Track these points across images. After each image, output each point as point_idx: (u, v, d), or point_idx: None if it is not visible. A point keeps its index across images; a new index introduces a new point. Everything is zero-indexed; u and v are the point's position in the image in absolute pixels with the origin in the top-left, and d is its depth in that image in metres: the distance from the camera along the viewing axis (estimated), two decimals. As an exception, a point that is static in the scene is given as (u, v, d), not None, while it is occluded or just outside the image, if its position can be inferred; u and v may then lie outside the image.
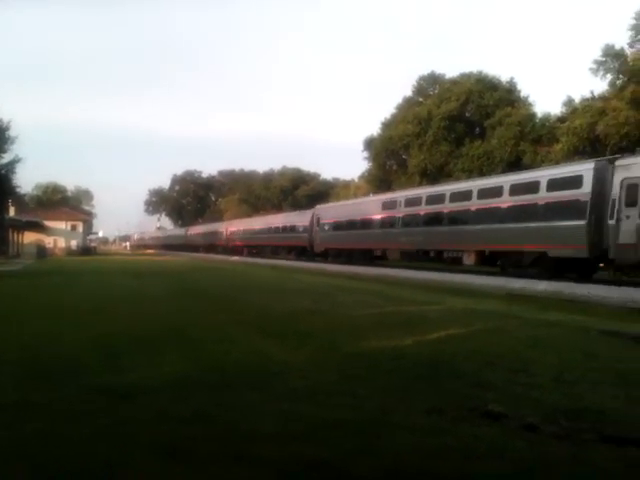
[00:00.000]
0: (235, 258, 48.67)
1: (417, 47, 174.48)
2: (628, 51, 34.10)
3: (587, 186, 18.59)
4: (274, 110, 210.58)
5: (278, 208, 76.63)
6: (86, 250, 69.17)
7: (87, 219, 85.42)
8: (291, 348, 7.37)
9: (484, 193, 23.42)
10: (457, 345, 7.49)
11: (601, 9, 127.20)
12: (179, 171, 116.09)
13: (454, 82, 48.99)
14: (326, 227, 37.13)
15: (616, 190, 17.43)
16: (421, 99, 52.52)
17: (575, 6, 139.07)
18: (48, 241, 68.27)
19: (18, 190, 40.23)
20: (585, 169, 19.22)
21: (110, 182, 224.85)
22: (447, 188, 27.08)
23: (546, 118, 41.54)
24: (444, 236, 25.18)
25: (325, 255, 37.64)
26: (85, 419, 4.41)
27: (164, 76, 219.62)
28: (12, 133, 34.25)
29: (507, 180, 23.13)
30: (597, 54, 34.94)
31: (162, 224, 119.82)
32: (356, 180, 70.72)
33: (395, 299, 14.15)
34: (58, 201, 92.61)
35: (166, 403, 4.83)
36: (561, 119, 38.58)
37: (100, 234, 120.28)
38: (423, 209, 27.28)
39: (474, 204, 23.65)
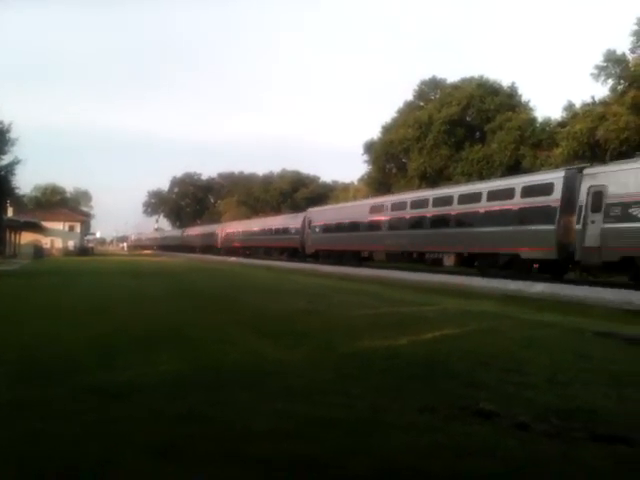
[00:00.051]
0: (232, 259, 48.84)
1: (419, 51, 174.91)
2: (630, 56, 34.19)
3: (557, 193, 19.90)
4: (274, 112, 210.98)
5: (277, 211, 76.67)
6: (83, 250, 69.16)
7: (85, 220, 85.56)
8: (286, 348, 7.37)
9: (464, 199, 24.72)
10: (451, 345, 7.51)
11: (603, 15, 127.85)
12: (179, 173, 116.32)
13: (455, 87, 49.14)
14: (317, 229, 38.43)
15: (583, 197, 18.62)
16: (422, 103, 52.69)
17: (577, 12, 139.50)
18: (45, 242, 68.25)
19: (17, 191, 40.16)
20: (556, 177, 20.57)
21: (109, 183, 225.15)
22: (430, 194, 28.45)
23: (546, 123, 41.63)
24: (426, 239, 26.52)
25: (316, 256, 38.73)
26: (78, 418, 4.40)
27: (164, 77, 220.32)
28: (12, 135, 34.13)
29: (485, 187, 24.58)
30: (598, 60, 35.08)
31: (160, 225, 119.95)
32: (355, 183, 70.86)
33: (390, 300, 14.19)
34: (57, 202, 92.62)
35: (160, 402, 4.82)
36: (561, 124, 38.65)
37: (98, 235, 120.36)
38: (408, 213, 28.61)
39: (454, 209, 25.09)
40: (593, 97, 37.42)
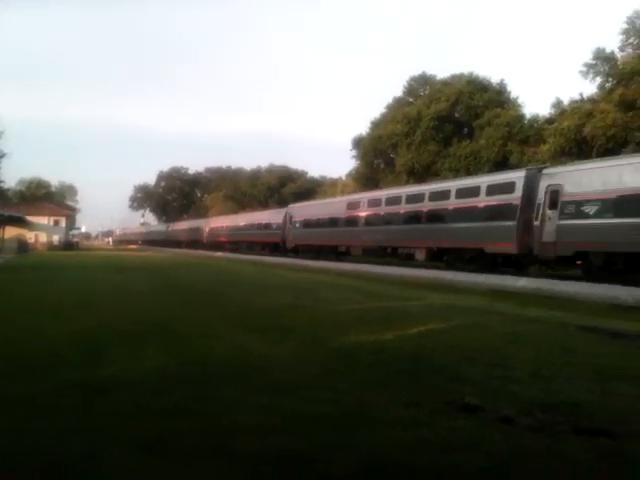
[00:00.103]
0: (219, 254, 48.87)
1: (409, 47, 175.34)
2: (618, 55, 34.52)
3: (518, 192, 21.23)
4: (263, 107, 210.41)
5: (264, 205, 76.50)
6: (68, 245, 68.60)
7: (70, 214, 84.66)
8: (273, 343, 7.36)
9: (434, 196, 26.07)
10: (437, 340, 7.55)
11: (592, 13, 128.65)
12: (166, 167, 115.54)
13: (445, 83, 49.20)
14: (297, 225, 39.76)
15: (541, 195, 19.97)
16: (411, 99, 52.67)
17: (566, 10, 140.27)
18: (30, 236, 67.51)
19: (1, 185, 39.67)
20: (517, 177, 21.97)
21: (95, 178, 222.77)
22: (403, 191, 29.70)
23: (534, 119, 41.84)
24: (400, 234, 27.83)
25: (296, 251, 39.83)
26: (63, 413, 4.35)
27: (153, 72, 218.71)
28: (-1, 129, 33.71)
29: (454, 185, 25.86)
30: (587, 57, 35.39)
31: (146, 220, 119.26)
32: (344, 178, 70.76)
33: (376, 295, 14.22)
34: (42, 196, 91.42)
35: (146, 397, 4.79)
36: (549, 120, 38.90)
37: (83, 229, 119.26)
38: (383, 209, 29.84)
39: (426, 206, 26.42)
40: (581, 94, 37.76)
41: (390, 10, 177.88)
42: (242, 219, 55.04)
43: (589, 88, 39.82)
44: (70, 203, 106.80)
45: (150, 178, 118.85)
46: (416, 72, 53.65)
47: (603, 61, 34.85)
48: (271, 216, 47.04)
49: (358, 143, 55.13)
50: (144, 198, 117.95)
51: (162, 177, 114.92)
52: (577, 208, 18.69)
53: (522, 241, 20.58)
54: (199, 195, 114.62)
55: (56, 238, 71.61)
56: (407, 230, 27.32)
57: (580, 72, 35.77)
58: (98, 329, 8.24)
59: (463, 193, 24.29)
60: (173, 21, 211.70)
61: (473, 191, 23.75)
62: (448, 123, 45.95)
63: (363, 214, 31.67)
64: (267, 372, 5.73)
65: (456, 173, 40.31)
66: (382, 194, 31.73)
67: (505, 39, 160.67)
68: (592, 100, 35.76)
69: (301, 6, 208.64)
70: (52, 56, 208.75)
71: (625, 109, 31.09)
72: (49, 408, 4.51)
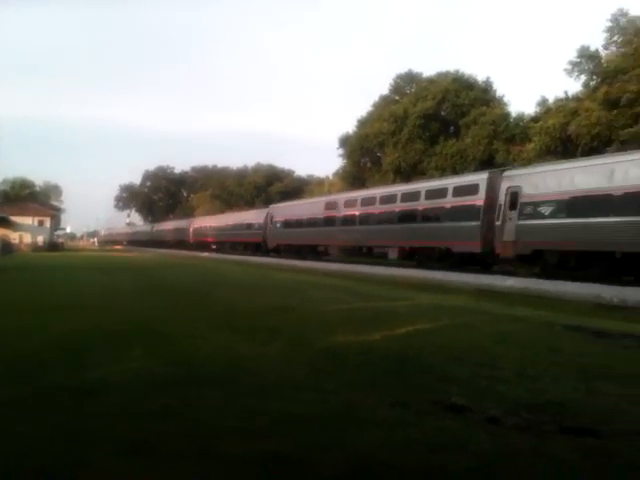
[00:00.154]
0: (205, 254, 48.82)
1: (395, 45, 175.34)
2: (603, 53, 34.84)
3: (482, 193, 22.27)
4: (249, 106, 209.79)
5: (251, 205, 76.36)
6: (53, 246, 67.84)
7: (55, 214, 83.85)
8: (259, 343, 7.31)
9: (406, 197, 27.19)
10: (425, 340, 7.55)
11: (577, 11, 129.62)
12: (151, 167, 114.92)
13: (431, 81, 49.43)
14: (278, 225, 40.88)
15: (502, 196, 21.01)
16: (398, 97, 52.86)
17: (551, 8, 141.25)
18: (14, 237, 66.71)
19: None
20: (481, 179, 23.01)
21: (80, 178, 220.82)
22: (377, 192, 30.91)
23: (520, 118, 42.18)
24: (374, 234, 28.98)
25: (277, 251, 40.77)
26: (48, 417, 4.31)
27: (137, 71, 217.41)
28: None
29: (424, 186, 27.06)
30: (572, 55, 35.69)
31: (132, 220, 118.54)
32: (331, 177, 70.81)
33: (364, 295, 14.21)
34: (26, 196, 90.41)
35: (132, 399, 4.75)
36: (534, 119, 39.23)
37: (68, 230, 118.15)
38: (358, 210, 30.92)
39: (398, 206, 27.53)
40: (566, 92, 38.16)
41: (377, 8, 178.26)
42: (225, 219, 55.78)
43: (574, 86, 40.28)
44: (55, 203, 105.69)
45: (136, 178, 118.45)
46: (402, 70, 53.89)
47: (587, 59, 35.19)
48: (253, 216, 47.80)
49: (345, 142, 55.20)
50: (130, 198, 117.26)
51: (148, 176, 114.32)
52: (534, 209, 19.60)
53: (486, 240, 21.54)
54: (185, 195, 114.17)
55: (41, 239, 70.83)
56: (381, 230, 28.37)
57: (565, 70, 36.19)
58: (83, 330, 8.16)
59: (432, 194, 25.31)
60: (157, 21, 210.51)
61: (441, 192, 24.76)
62: (434, 121, 46.17)
63: (340, 214, 32.64)
64: (253, 373, 5.70)
65: (442, 172, 40.54)
66: (358, 195, 32.80)
67: (490, 37, 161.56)
68: (577, 98, 36.12)
69: (287, 4, 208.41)
70: (34, 54, 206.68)
71: (609, 107, 31.42)
72: (33, 411, 4.46)
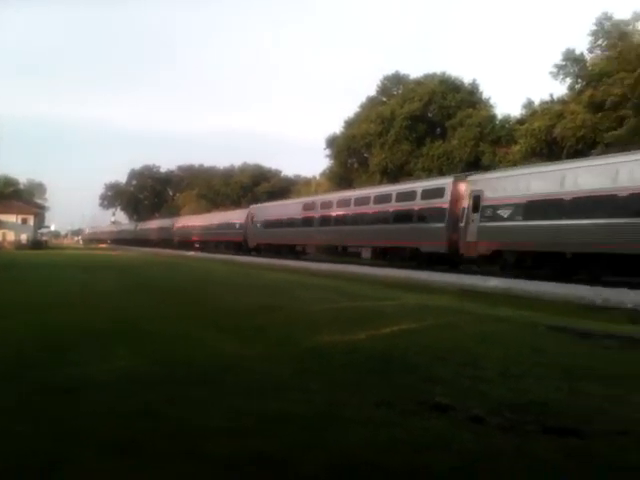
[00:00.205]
0: (191, 253, 48.76)
1: (382, 47, 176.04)
2: (587, 56, 35.15)
3: (447, 196, 23.48)
4: (236, 105, 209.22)
5: (237, 204, 76.07)
6: (37, 244, 67.07)
7: (39, 212, 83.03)
8: (245, 343, 7.31)
9: (378, 199, 28.47)
10: (409, 340, 7.58)
11: (563, 15, 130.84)
12: (137, 166, 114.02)
13: (418, 82, 49.57)
14: (258, 225, 42.04)
15: (466, 200, 22.20)
16: (385, 99, 52.97)
17: (538, 11, 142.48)
18: (-3, 235, 66.04)
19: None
20: (446, 183, 24.32)
21: (65, 176, 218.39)
22: (352, 194, 32.34)
23: (506, 120, 42.44)
24: (349, 235, 30.18)
25: (258, 250, 41.80)
26: (31, 416, 4.26)
27: (123, 69, 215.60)
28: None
29: (394, 189, 28.52)
30: (558, 58, 35.97)
31: (118, 218, 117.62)
32: (318, 177, 70.78)
33: (350, 294, 14.22)
34: (9, 194, 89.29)
35: (117, 398, 4.71)
36: (520, 121, 39.51)
37: (52, 228, 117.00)
38: (334, 211, 32.21)
39: (371, 208, 28.80)
40: (552, 95, 38.47)
41: (364, 9, 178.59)
42: (208, 219, 56.47)
43: (559, 89, 40.64)
44: (39, 201, 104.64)
45: (121, 176, 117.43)
46: (390, 71, 54.02)
47: (573, 62, 35.50)
48: (235, 216, 48.75)
49: (332, 142, 55.19)
50: (115, 196, 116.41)
51: (133, 175, 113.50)
52: (494, 211, 20.76)
53: (451, 241, 22.72)
54: (171, 194, 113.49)
55: (24, 237, 70.07)
56: (355, 231, 29.58)
57: (551, 73, 36.45)
58: (68, 329, 8.10)
59: (402, 197, 26.63)
60: (146, 20, 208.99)
61: (410, 195, 26.06)
62: (421, 123, 46.33)
63: (317, 215, 33.84)
64: (239, 373, 5.69)
65: (429, 173, 40.71)
66: (334, 197, 34.23)
67: (477, 40, 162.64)
68: (562, 101, 36.43)
69: (274, 4, 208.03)
70: (18, 52, 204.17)
71: (594, 110, 31.72)
72: (16, 410, 4.42)
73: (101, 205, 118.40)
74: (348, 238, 30.35)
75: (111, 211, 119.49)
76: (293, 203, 41.03)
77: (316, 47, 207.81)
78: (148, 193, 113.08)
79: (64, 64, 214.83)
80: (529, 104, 40.05)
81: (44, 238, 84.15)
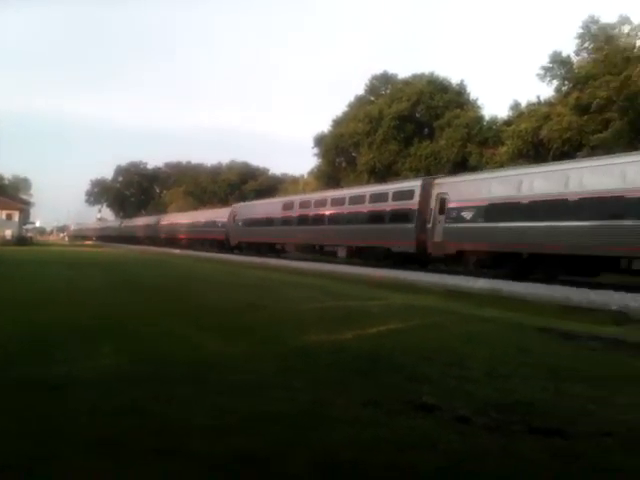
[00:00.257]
0: (177, 251, 48.53)
1: (371, 46, 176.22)
2: (574, 59, 35.44)
3: (416, 198, 24.33)
4: (224, 103, 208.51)
5: (225, 202, 75.84)
6: (22, 240, 66.27)
7: (24, 208, 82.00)
8: (231, 341, 7.27)
9: (353, 200, 29.36)
10: (395, 340, 7.58)
11: (550, 17, 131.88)
12: (124, 162, 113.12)
13: (406, 82, 49.73)
14: (240, 223, 42.71)
15: (433, 202, 23.11)
16: (373, 98, 53.07)
17: (525, 13, 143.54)
18: (-20, 231, 65.16)
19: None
20: (415, 185, 25.24)
21: (51, 171, 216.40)
22: (329, 195, 33.35)
23: (493, 121, 42.68)
24: (325, 234, 30.96)
25: (239, 248, 42.61)
26: (13, 414, 4.21)
27: (111, 65, 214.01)
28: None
29: (368, 190, 29.46)
30: (545, 60, 36.23)
31: (104, 215, 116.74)
32: (305, 176, 70.79)
33: (337, 294, 14.20)
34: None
35: (101, 396, 4.66)
36: (507, 122, 39.77)
37: (38, 224, 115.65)
38: (312, 211, 32.98)
39: (346, 209, 29.63)
40: (538, 97, 38.76)
41: (352, 8, 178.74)
42: (192, 216, 56.89)
43: (546, 91, 40.94)
44: (24, 197, 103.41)
45: (108, 172, 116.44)
46: (378, 71, 54.14)
47: (559, 65, 35.80)
48: (218, 214, 49.52)
49: (320, 141, 55.20)
50: (101, 193, 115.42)
51: (120, 171, 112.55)
52: (458, 213, 21.67)
53: (419, 241, 23.56)
54: (158, 190, 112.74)
55: (9, 233, 69.16)
56: (331, 230, 30.43)
57: (537, 75, 36.72)
58: (53, 326, 8.02)
59: (375, 198, 27.47)
60: (131, 15, 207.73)
61: (382, 197, 26.90)
62: (409, 123, 46.46)
63: (295, 215, 34.63)
64: (224, 371, 5.65)
65: (417, 173, 40.80)
66: (311, 197, 35.26)
67: (465, 41, 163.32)
68: (549, 103, 36.70)
69: (263, 4, 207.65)
70: (2, 45, 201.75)
71: (580, 112, 32.00)
72: (0, 408, 4.37)
73: (87, 201, 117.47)
74: (325, 237, 31.18)
75: (97, 208, 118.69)
76: (273, 202, 41.87)
77: (305, 46, 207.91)
78: (135, 190, 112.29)
79: (48, 61, 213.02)
80: (516, 106, 40.35)
81: (29, 234, 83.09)
